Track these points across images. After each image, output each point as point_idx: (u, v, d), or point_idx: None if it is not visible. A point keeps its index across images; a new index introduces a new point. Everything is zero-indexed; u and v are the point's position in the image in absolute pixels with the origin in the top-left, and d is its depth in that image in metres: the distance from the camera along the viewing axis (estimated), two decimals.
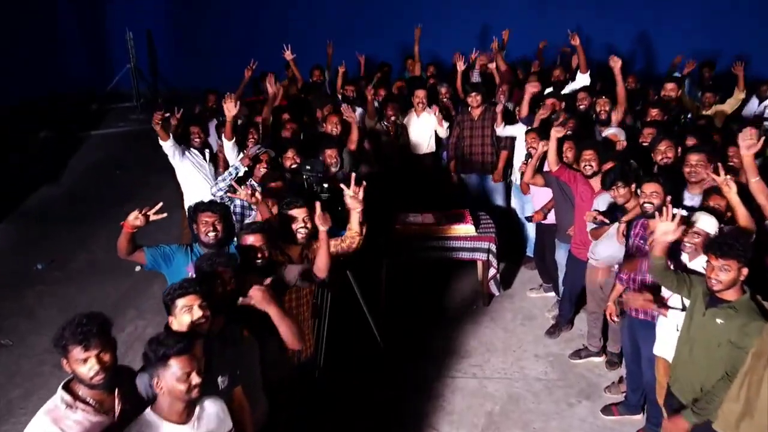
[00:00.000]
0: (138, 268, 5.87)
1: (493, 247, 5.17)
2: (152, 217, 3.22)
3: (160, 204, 3.30)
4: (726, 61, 9.17)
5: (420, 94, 6.08)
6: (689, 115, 5.73)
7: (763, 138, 3.42)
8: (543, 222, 5.13)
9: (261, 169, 4.47)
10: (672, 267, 3.17)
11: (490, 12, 9.82)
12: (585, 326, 4.98)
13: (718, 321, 2.84)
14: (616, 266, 4.04)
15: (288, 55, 6.83)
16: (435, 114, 6.04)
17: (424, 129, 6.22)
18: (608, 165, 4.16)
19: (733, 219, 3.34)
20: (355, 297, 4.63)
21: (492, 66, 6.77)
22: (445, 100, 6.32)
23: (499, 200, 6.26)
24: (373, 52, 8.39)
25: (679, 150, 4.22)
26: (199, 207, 3.39)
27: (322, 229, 3.06)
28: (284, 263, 3.17)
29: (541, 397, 4.32)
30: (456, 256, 5.21)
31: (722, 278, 2.79)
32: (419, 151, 6.29)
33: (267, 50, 10.41)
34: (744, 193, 3.32)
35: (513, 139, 5.86)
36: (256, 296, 2.57)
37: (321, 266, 3.09)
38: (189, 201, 5.13)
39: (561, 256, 4.91)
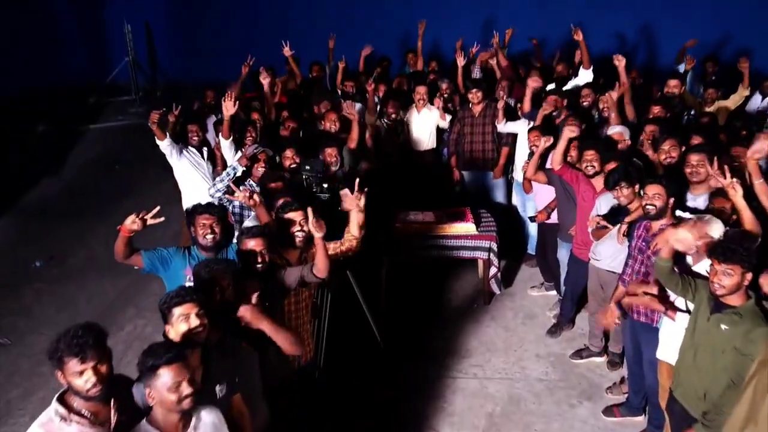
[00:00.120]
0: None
1: (494, 246, 5.14)
2: (150, 221, 3.18)
3: (158, 208, 3.26)
4: (729, 54, 9.15)
5: (421, 90, 6.02)
6: (692, 112, 5.67)
7: None
8: (545, 221, 5.08)
9: (259, 169, 4.43)
10: (676, 270, 3.12)
11: (492, 5, 9.74)
12: (586, 325, 4.95)
13: (723, 327, 2.80)
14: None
15: (287, 51, 6.75)
16: (438, 108, 5.97)
17: (425, 125, 6.16)
18: (611, 165, 4.10)
19: (739, 222, 3.30)
20: (355, 297, 4.59)
21: (493, 62, 6.70)
22: (446, 96, 6.24)
23: (500, 197, 6.22)
24: (373, 46, 8.28)
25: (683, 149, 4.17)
26: (197, 209, 3.36)
27: (318, 236, 3.01)
28: (283, 267, 3.13)
29: (542, 398, 4.30)
30: (457, 254, 5.17)
31: (725, 283, 2.75)
32: (420, 147, 6.23)
33: (267, 42, 10.33)
34: (750, 195, 3.28)
35: (514, 135, 5.81)
36: (246, 316, 2.54)
37: (321, 267, 3.06)
38: (187, 200, 5.09)
39: (563, 255, 4.87)
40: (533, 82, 5.66)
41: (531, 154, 4.93)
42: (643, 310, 3.64)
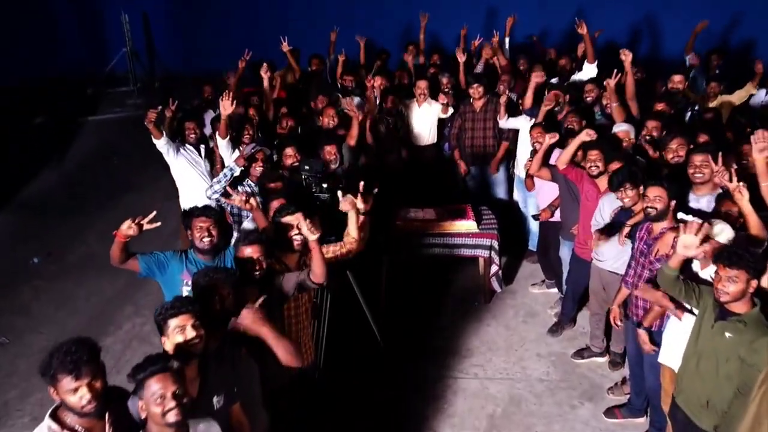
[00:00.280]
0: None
1: (495, 244, 5.09)
2: (146, 227, 3.13)
3: (154, 213, 3.20)
4: (733, 45, 9.05)
5: (422, 84, 5.95)
6: (696, 107, 5.59)
7: None
8: (549, 219, 5.02)
9: (257, 168, 4.37)
10: (681, 276, 3.07)
11: None
12: (587, 324, 4.90)
13: (727, 335, 2.76)
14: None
15: (285, 46, 6.66)
16: (442, 103, 5.89)
17: (426, 120, 6.09)
18: (614, 164, 4.04)
19: (745, 226, 3.24)
20: (355, 297, 4.55)
21: (495, 58, 6.62)
22: (446, 90, 6.17)
23: (501, 193, 6.17)
24: (373, 37, 8.20)
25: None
26: (193, 212, 3.30)
27: (312, 239, 2.96)
28: (282, 273, 3.08)
29: (543, 399, 4.27)
30: (457, 252, 5.13)
31: (729, 289, 2.70)
32: (420, 142, 6.17)
33: (266, 33, 10.22)
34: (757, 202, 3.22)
35: (516, 131, 5.74)
36: (247, 319, 2.48)
37: (317, 272, 3.01)
38: (184, 198, 5.04)
39: (565, 253, 4.83)
40: (536, 77, 5.57)
41: (533, 151, 4.88)
42: (641, 313, 3.61)
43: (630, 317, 3.75)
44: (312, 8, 11.08)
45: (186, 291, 3.22)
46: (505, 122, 5.69)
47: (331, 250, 3.52)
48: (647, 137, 4.60)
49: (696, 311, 3.01)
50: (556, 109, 5.33)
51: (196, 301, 2.50)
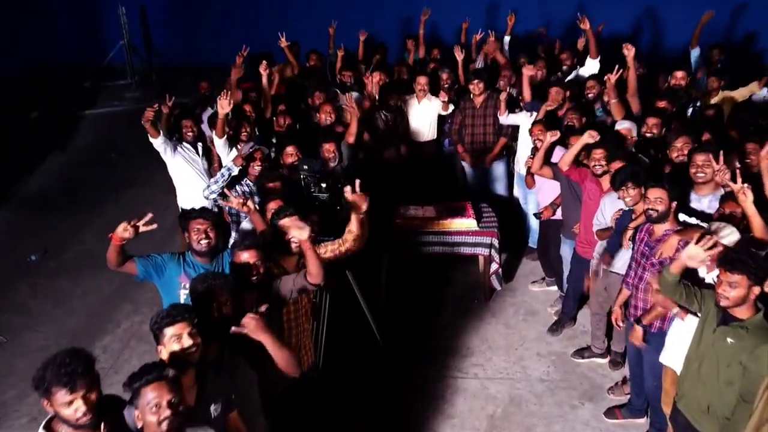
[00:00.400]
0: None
1: (496, 242, 5.06)
2: (142, 229, 3.09)
3: (149, 215, 3.16)
4: (736, 38, 8.98)
5: (422, 81, 5.88)
6: (698, 104, 5.53)
7: None
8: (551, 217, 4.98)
9: (255, 168, 4.33)
10: (682, 281, 3.04)
11: None
12: (587, 322, 4.89)
13: (729, 340, 2.73)
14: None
15: (283, 42, 6.59)
16: (443, 100, 5.84)
17: (425, 116, 6.04)
18: (616, 163, 3.99)
19: (748, 228, 3.21)
20: (355, 296, 4.52)
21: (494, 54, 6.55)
22: (446, 86, 6.10)
23: (501, 189, 6.12)
24: (373, 31, 8.11)
25: None
26: (191, 214, 3.27)
27: (302, 238, 2.90)
28: (280, 276, 3.05)
29: (544, 399, 4.25)
30: (457, 251, 5.09)
31: (730, 294, 2.67)
32: (420, 138, 6.12)
33: (265, 24, 10.18)
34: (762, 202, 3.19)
35: (516, 127, 5.70)
36: (250, 325, 2.45)
37: (313, 272, 2.96)
38: (181, 197, 5.00)
39: (566, 251, 4.80)
40: (527, 71, 5.53)
41: (534, 149, 4.83)
42: (641, 315, 3.58)
43: (628, 317, 3.72)
44: (312, 1, 10.98)
45: (184, 294, 3.20)
46: (506, 118, 5.64)
47: (329, 249, 3.48)
48: (647, 134, 4.57)
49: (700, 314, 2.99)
50: (556, 107, 5.28)
51: (193, 309, 2.46)
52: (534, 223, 5.64)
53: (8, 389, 4.42)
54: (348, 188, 3.40)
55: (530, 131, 4.94)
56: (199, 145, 4.94)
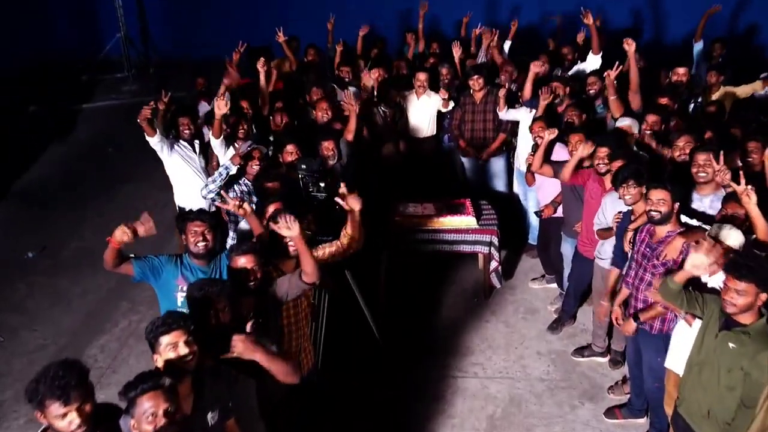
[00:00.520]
0: (132, 255, 5.75)
1: (495, 240, 5.02)
2: (141, 233, 3.05)
3: (145, 214, 3.12)
4: (739, 30, 8.90)
5: (421, 77, 5.82)
6: (699, 100, 5.48)
7: None
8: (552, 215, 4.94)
9: (253, 167, 4.29)
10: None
11: None
12: (587, 320, 4.90)
13: (731, 345, 2.70)
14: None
15: (280, 37, 6.52)
16: (443, 98, 5.79)
17: (425, 112, 5.98)
18: (618, 162, 3.95)
19: (751, 229, 3.17)
20: (354, 296, 4.49)
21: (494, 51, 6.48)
22: (446, 81, 6.05)
23: (501, 185, 6.08)
24: (372, 23, 8.03)
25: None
26: (188, 216, 3.23)
27: (292, 235, 2.85)
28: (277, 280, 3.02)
29: (544, 399, 4.24)
30: (457, 249, 5.06)
31: (738, 302, 2.63)
32: (419, 134, 6.07)
33: (263, 16, 10.04)
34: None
35: (515, 122, 5.65)
36: (239, 347, 2.41)
37: (308, 271, 2.92)
38: (179, 195, 4.96)
39: (567, 249, 4.77)
40: (536, 67, 5.46)
41: (535, 146, 4.79)
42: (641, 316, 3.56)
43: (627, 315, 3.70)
44: None
45: (181, 297, 3.17)
46: (505, 114, 5.60)
47: (327, 251, 3.45)
48: (647, 132, 4.53)
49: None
50: (556, 101, 5.23)
51: (189, 316, 2.43)
52: (534, 220, 5.61)
53: (5, 389, 4.41)
54: (340, 191, 3.36)
55: (530, 128, 4.90)
56: (196, 142, 4.89)
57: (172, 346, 2.28)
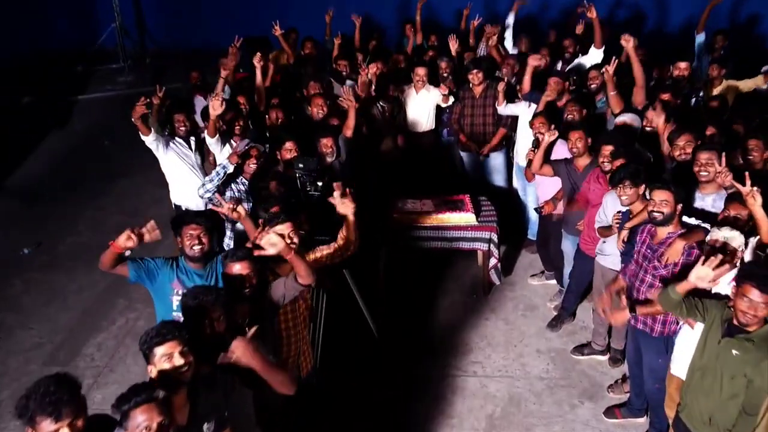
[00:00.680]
0: (128, 252, 5.70)
1: (495, 237, 4.98)
2: (146, 238, 2.99)
3: (152, 222, 3.07)
4: (741, 20, 8.82)
5: (420, 72, 5.75)
6: (701, 94, 5.42)
7: None
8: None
9: (251, 165, 4.23)
10: None
11: None
12: (587, 318, 4.87)
13: (734, 352, 2.66)
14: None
15: (277, 31, 6.43)
16: (443, 93, 5.73)
17: (423, 106, 5.92)
18: (619, 161, 3.90)
19: (754, 230, 3.13)
20: (352, 294, 4.45)
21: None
22: (445, 75, 5.98)
23: (500, 180, 6.03)
24: (371, 14, 7.95)
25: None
26: (184, 219, 3.17)
27: (277, 250, 2.79)
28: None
29: (543, 398, 4.22)
30: (456, 246, 5.02)
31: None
32: (418, 129, 6.01)
33: (260, 5, 9.92)
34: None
35: (515, 117, 5.59)
36: (239, 351, 2.36)
37: (302, 273, 2.88)
38: (175, 193, 4.91)
39: (567, 246, 4.74)
40: (533, 61, 5.40)
41: (536, 141, 4.74)
42: (641, 318, 3.53)
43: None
44: None
45: (176, 300, 3.12)
46: (504, 108, 5.54)
47: (325, 253, 3.40)
48: (647, 128, 4.48)
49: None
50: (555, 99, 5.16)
51: (185, 325, 2.39)
52: (533, 216, 5.56)
53: (2, 389, 4.37)
54: (337, 194, 3.30)
55: (531, 124, 4.84)
56: (192, 139, 4.82)
57: (167, 357, 2.23)
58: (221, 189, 4.22)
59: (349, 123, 4.86)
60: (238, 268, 2.80)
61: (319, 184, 3.90)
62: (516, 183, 5.91)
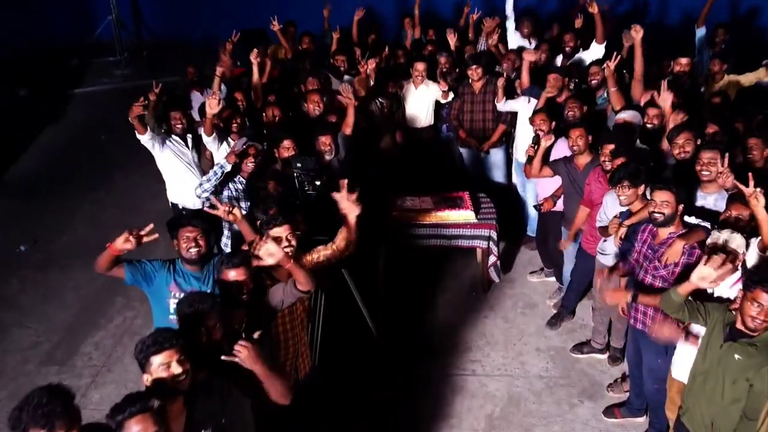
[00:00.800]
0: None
1: (494, 235, 4.96)
2: (145, 239, 2.95)
3: (151, 225, 3.02)
4: (738, 15, 8.74)
5: (419, 67, 5.70)
6: (701, 89, 5.37)
7: None
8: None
9: (248, 164, 4.19)
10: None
11: None
12: (586, 315, 4.85)
13: (736, 357, 2.64)
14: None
15: (275, 26, 6.36)
16: (443, 89, 5.68)
17: (423, 102, 5.88)
18: (619, 160, 3.86)
19: (755, 231, 3.10)
20: (351, 293, 4.42)
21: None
22: (444, 70, 5.93)
23: (500, 176, 5.99)
24: (370, 7, 7.86)
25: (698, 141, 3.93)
26: (180, 222, 3.14)
27: (275, 260, 2.78)
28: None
29: (543, 397, 4.20)
30: (455, 243, 5.00)
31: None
32: (417, 124, 5.97)
33: None
34: None
35: (515, 113, 5.54)
36: (242, 355, 2.33)
37: (301, 281, 2.86)
38: (171, 191, 4.87)
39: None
40: (529, 56, 5.35)
41: (536, 137, 4.70)
42: (640, 318, 3.52)
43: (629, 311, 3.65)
44: None
45: (173, 303, 3.09)
46: (503, 105, 5.50)
47: (323, 254, 3.37)
48: (648, 125, 4.44)
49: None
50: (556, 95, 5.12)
51: (181, 333, 2.35)
52: (533, 212, 5.53)
53: (0, 389, 4.34)
54: (343, 192, 3.26)
55: (532, 121, 4.80)
56: (189, 136, 4.77)
57: (165, 366, 2.19)
58: (219, 188, 4.18)
59: (349, 121, 4.81)
60: (233, 275, 2.76)
61: (317, 183, 3.86)
62: (515, 179, 5.88)
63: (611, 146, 3.97)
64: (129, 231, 2.94)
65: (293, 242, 3.06)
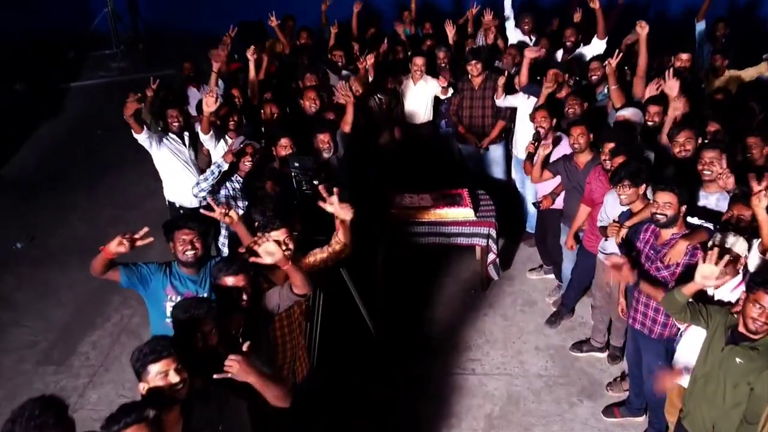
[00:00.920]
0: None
1: (493, 232, 4.93)
2: (138, 242, 2.92)
3: (146, 229, 2.98)
4: (738, 9, 8.67)
5: (418, 62, 5.64)
6: (702, 86, 5.33)
7: None
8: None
9: (246, 163, 4.15)
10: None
11: None
12: (585, 314, 4.84)
13: (738, 360, 2.62)
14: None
15: (273, 21, 6.29)
16: (442, 86, 5.63)
17: (422, 97, 5.83)
18: (619, 159, 3.83)
19: (757, 232, 3.07)
20: (350, 292, 4.40)
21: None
22: (443, 65, 5.87)
23: (499, 172, 5.96)
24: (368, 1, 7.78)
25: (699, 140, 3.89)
26: (176, 224, 3.10)
27: (274, 260, 2.72)
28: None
29: (542, 396, 4.19)
30: (454, 241, 4.98)
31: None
32: (416, 120, 5.92)
33: None
34: None
35: (514, 109, 5.50)
36: (234, 368, 2.30)
37: (297, 284, 2.81)
38: (168, 189, 4.82)
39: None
40: (530, 53, 5.29)
41: (536, 134, 4.66)
42: (639, 318, 3.50)
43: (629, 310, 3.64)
44: None
45: (170, 306, 3.06)
46: (503, 101, 5.45)
47: (318, 257, 3.33)
48: (649, 123, 4.40)
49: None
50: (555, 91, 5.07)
51: (176, 339, 2.33)
52: (532, 208, 5.50)
53: None
54: (334, 197, 3.22)
55: (532, 117, 4.76)
56: (186, 134, 4.72)
57: (162, 375, 2.16)
58: (216, 187, 4.14)
59: (347, 118, 4.76)
60: (231, 281, 2.72)
61: (315, 183, 3.82)
62: (514, 175, 5.85)
63: (611, 145, 3.93)
64: (122, 234, 2.90)
65: (291, 245, 3.03)
